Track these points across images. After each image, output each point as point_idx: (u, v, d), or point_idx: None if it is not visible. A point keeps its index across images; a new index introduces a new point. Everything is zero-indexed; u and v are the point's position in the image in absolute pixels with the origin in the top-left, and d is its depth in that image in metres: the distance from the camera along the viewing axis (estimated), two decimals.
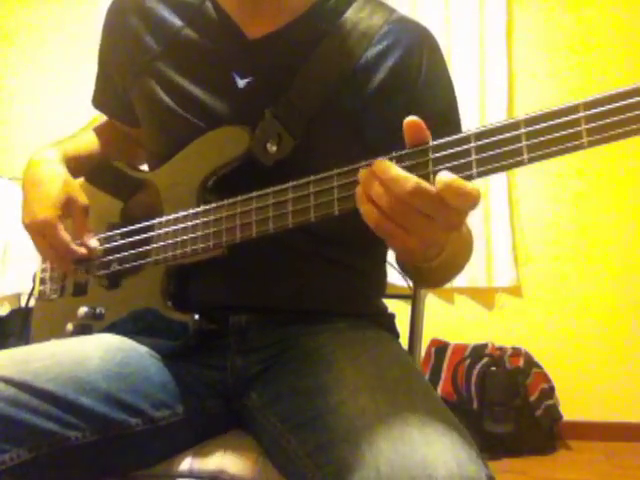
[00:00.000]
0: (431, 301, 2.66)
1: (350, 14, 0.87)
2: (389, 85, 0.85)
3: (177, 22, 0.90)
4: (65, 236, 0.86)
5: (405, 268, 0.90)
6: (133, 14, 0.93)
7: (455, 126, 0.89)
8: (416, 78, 0.86)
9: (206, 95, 0.86)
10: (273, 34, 0.87)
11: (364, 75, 0.85)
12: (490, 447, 2.17)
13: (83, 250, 0.88)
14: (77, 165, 0.93)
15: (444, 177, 0.56)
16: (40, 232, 0.86)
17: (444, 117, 0.88)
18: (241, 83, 0.86)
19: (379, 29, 0.87)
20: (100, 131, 1.04)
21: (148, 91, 0.90)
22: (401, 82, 0.86)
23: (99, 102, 1.03)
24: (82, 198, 0.89)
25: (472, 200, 0.55)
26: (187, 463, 0.78)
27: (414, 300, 1.15)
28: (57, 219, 0.85)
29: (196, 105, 0.87)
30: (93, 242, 0.89)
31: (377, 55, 0.86)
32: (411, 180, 0.57)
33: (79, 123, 1.09)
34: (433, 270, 0.69)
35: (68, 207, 0.87)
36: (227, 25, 0.89)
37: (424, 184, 0.57)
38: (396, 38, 0.87)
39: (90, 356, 0.76)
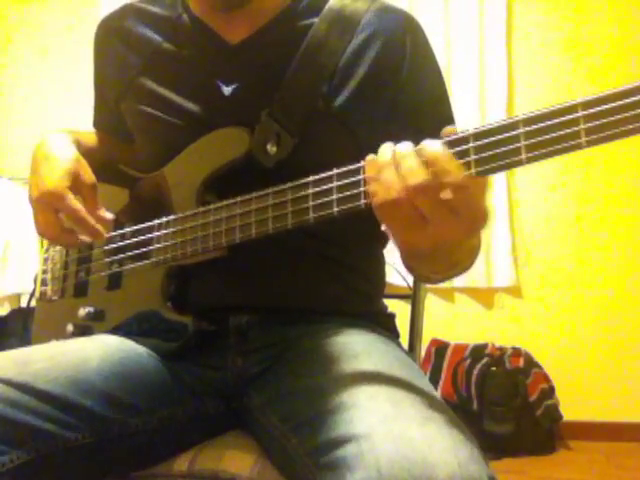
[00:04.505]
0: (431, 301, 2.66)
1: (332, 3, 0.86)
2: (373, 77, 0.84)
3: (156, 37, 0.91)
4: (77, 204, 0.80)
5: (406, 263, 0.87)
6: (114, 36, 0.95)
7: (447, 108, 0.88)
8: (400, 66, 0.85)
9: (194, 105, 0.87)
10: (251, 37, 0.87)
11: (347, 70, 0.84)
12: (490, 447, 2.17)
13: (94, 222, 0.82)
14: (87, 155, 0.93)
15: (433, 148, 0.56)
16: (49, 204, 0.81)
17: (434, 101, 0.87)
18: (227, 90, 0.85)
19: (362, 18, 0.85)
20: (105, 135, 1.05)
21: (135, 106, 0.91)
22: (385, 73, 0.85)
23: (98, 123, 1.06)
24: (91, 176, 0.86)
25: (452, 179, 0.55)
26: (187, 463, 0.77)
27: (414, 300, 1.15)
28: (67, 189, 0.81)
29: (185, 115, 0.87)
30: (108, 214, 0.84)
31: (359, 47, 0.84)
32: (421, 175, 0.56)
33: (79, 124, 1.09)
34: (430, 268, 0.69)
35: (77, 182, 0.83)
36: (206, 34, 0.89)
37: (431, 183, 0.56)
38: (377, 27, 0.85)
39: (90, 357, 0.76)
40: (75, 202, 0.80)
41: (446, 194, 0.56)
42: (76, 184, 0.83)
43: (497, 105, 2.70)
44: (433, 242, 0.59)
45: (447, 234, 0.58)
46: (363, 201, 0.63)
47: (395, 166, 0.58)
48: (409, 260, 0.70)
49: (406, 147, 0.58)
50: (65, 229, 0.82)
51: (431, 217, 0.57)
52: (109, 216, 0.84)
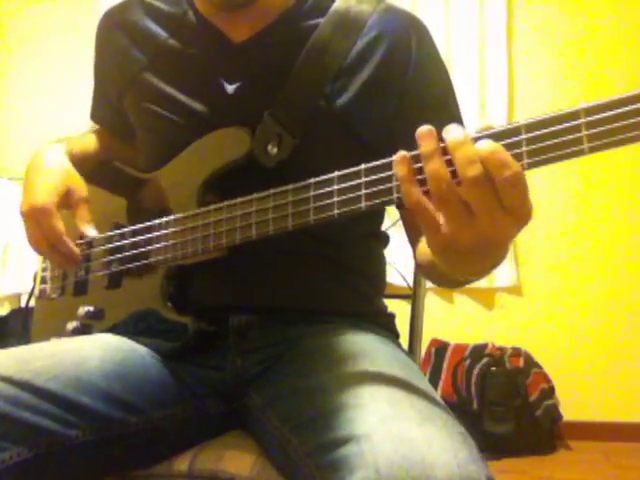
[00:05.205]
0: (431, 301, 2.66)
1: (338, 4, 0.86)
2: (378, 80, 0.84)
3: (161, 33, 0.91)
4: (58, 225, 0.83)
5: (423, 265, 0.82)
6: (119, 29, 0.95)
7: (454, 109, 0.88)
8: (406, 68, 0.85)
9: (197, 103, 0.87)
10: (255, 37, 0.87)
11: (351, 71, 0.84)
12: (490, 447, 2.17)
13: (74, 247, 0.84)
14: (82, 162, 0.93)
15: (488, 144, 0.52)
16: (35, 219, 0.84)
17: (440, 102, 0.87)
18: (230, 89, 0.86)
19: (367, 20, 0.85)
20: (102, 134, 1.05)
21: (138, 102, 0.91)
22: (390, 75, 0.85)
23: (96, 116, 1.05)
24: (83, 190, 0.87)
25: (511, 172, 0.51)
26: (187, 463, 0.77)
27: (414, 300, 1.15)
28: (54, 206, 0.83)
29: (188, 113, 0.87)
30: (92, 232, 0.86)
31: (363, 49, 0.84)
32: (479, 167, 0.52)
33: (79, 123, 1.09)
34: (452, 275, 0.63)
35: (68, 197, 0.86)
36: (211, 32, 0.89)
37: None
38: (382, 30, 0.85)
39: (90, 356, 0.76)
40: (57, 223, 0.83)
41: (500, 188, 0.52)
42: (66, 199, 0.86)
43: (497, 105, 2.70)
44: (482, 240, 0.54)
45: (498, 230, 0.54)
46: (365, 203, 0.63)
47: (445, 155, 0.53)
48: (446, 262, 0.60)
49: (458, 133, 0.53)
50: (51, 245, 0.84)
51: (480, 212, 0.53)
52: (91, 234, 0.86)
